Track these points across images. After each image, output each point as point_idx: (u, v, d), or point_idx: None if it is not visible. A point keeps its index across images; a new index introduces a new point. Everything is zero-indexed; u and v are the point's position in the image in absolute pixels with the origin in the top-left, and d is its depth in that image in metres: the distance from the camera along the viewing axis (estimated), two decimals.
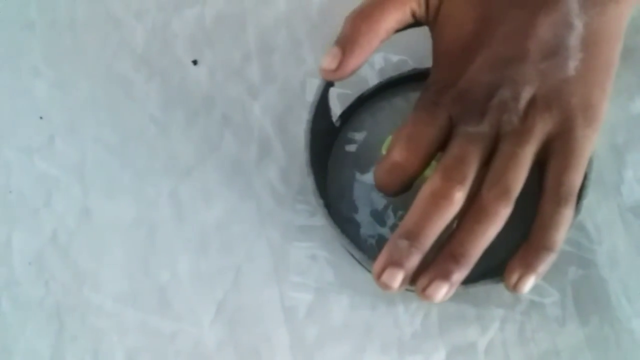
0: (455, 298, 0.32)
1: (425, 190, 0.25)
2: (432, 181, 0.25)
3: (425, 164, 0.27)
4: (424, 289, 0.26)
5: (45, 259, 0.35)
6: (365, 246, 0.34)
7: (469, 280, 0.27)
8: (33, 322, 0.34)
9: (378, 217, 0.34)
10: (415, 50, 0.36)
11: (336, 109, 0.35)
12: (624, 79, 0.35)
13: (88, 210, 0.36)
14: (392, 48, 0.36)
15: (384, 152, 0.30)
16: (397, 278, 0.26)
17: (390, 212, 0.34)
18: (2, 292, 0.34)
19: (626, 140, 0.35)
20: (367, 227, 0.34)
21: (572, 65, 0.26)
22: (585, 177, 0.29)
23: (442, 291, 0.26)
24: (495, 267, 0.29)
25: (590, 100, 0.26)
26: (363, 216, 0.34)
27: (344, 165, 0.35)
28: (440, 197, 0.25)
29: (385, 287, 0.26)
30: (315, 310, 0.33)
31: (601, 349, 0.32)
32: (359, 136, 0.36)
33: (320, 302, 0.34)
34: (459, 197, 0.25)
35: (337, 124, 0.35)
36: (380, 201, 0.34)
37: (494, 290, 0.33)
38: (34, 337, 0.34)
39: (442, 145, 0.27)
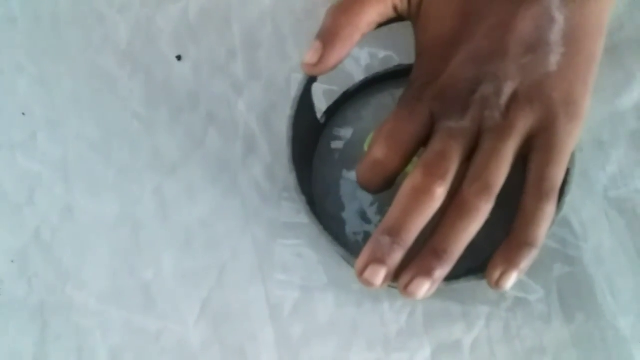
0: (440, 295, 0.32)
1: (406, 186, 0.25)
2: (413, 177, 0.25)
3: (407, 160, 0.27)
4: (406, 286, 0.26)
5: (28, 257, 0.35)
6: (351, 243, 0.34)
7: (452, 277, 0.27)
8: (16, 321, 0.34)
9: (364, 214, 0.34)
10: (403, 46, 0.36)
11: (322, 105, 0.35)
12: (609, 75, 0.35)
13: (71, 208, 0.35)
14: (378, 44, 0.36)
15: (366, 149, 0.30)
16: (379, 275, 0.25)
17: (376, 209, 0.34)
18: None
19: (611, 136, 0.34)
20: (353, 224, 0.34)
21: (554, 60, 0.26)
22: (568, 173, 0.29)
23: (424, 288, 0.26)
24: (480, 264, 0.28)
25: (573, 95, 0.26)
26: (349, 213, 0.34)
27: (329, 162, 0.35)
28: (422, 193, 0.25)
29: (368, 284, 0.26)
30: (301, 308, 0.33)
31: (586, 346, 0.32)
32: (345, 133, 0.35)
33: (305, 300, 0.33)
34: (441, 192, 0.25)
35: (322, 121, 0.35)
36: (366, 198, 0.34)
37: (479, 287, 0.32)
38: (17, 335, 0.34)
39: (424, 141, 0.26)
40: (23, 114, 0.37)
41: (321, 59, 0.27)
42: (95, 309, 0.34)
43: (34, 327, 0.34)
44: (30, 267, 0.35)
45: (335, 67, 0.28)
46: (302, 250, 0.34)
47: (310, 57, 0.27)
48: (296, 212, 0.34)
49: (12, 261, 0.35)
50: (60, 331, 0.34)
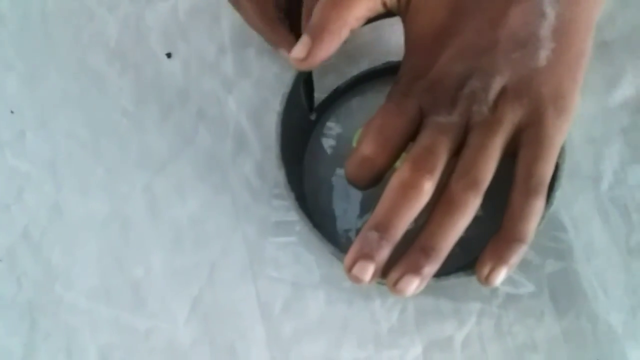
0: (431, 292, 0.32)
1: (394, 181, 0.25)
2: (401, 171, 0.25)
3: (395, 156, 0.26)
4: (395, 283, 0.26)
5: (16, 256, 0.34)
6: (342, 241, 0.33)
7: (442, 274, 0.27)
8: (5, 320, 0.34)
9: (355, 211, 0.34)
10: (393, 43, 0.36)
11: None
12: (600, 71, 0.35)
13: (60, 206, 0.35)
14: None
15: (354, 144, 0.30)
16: (368, 271, 0.25)
17: (367, 205, 0.34)
18: None
19: (603, 133, 0.34)
20: (344, 221, 0.34)
21: (544, 55, 0.26)
22: (558, 168, 0.28)
23: (413, 285, 0.25)
24: (471, 261, 0.28)
25: (561, 90, 0.26)
26: (340, 210, 0.34)
27: (321, 159, 0.35)
28: (409, 188, 0.25)
29: (357, 280, 0.26)
30: (292, 306, 0.33)
31: (578, 342, 0.32)
32: (336, 129, 0.35)
33: (296, 298, 0.33)
34: (428, 187, 0.25)
35: (313, 118, 0.35)
36: (357, 194, 0.34)
37: (470, 284, 0.32)
38: (6, 334, 0.33)
39: (412, 136, 0.26)
40: (11, 112, 0.37)
41: (309, 53, 0.27)
42: (85, 308, 0.34)
43: (23, 326, 0.33)
44: (19, 266, 0.34)
45: (323, 61, 0.28)
46: (293, 248, 0.34)
47: (299, 51, 0.27)
48: (287, 210, 0.34)
49: (1, 260, 0.34)
50: (50, 330, 0.33)
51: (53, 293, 0.34)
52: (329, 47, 0.27)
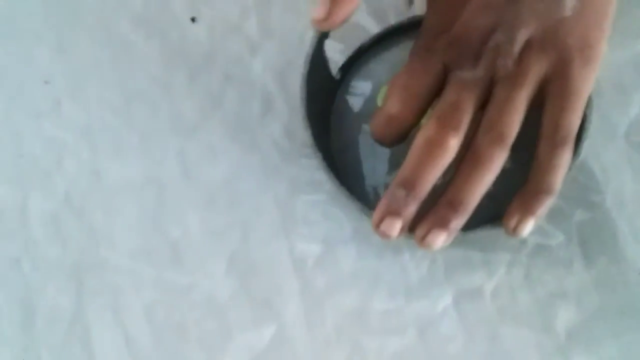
0: (460, 244, 0.33)
1: (420, 139, 0.25)
2: (426, 129, 0.25)
3: (421, 113, 0.27)
4: (422, 238, 0.26)
5: (60, 220, 0.36)
6: (371, 197, 0.34)
7: (470, 227, 0.28)
8: (53, 281, 0.35)
9: (383, 167, 0.34)
10: None
11: (339, 60, 0.34)
12: (629, 18, 0.34)
13: (98, 172, 0.36)
14: None
15: (379, 102, 0.30)
16: (395, 227, 0.26)
17: (394, 162, 0.34)
18: (22, 254, 0.36)
19: (633, 79, 0.34)
20: (372, 178, 0.34)
21: (570, 4, 0.25)
22: (585, 119, 0.28)
23: (440, 239, 0.26)
24: (500, 213, 0.29)
25: (588, 40, 0.26)
26: (368, 167, 0.34)
27: (347, 118, 0.35)
28: (435, 145, 0.25)
29: (384, 235, 0.26)
30: (324, 261, 0.34)
31: (608, 290, 0.32)
32: (362, 87, 0.35)
33: (328, 253, 0.34)
34: (454, 143, 0.25)
35: (338, 77, 0.35)
36: (384, 151, 0.34)
37: (499, 235, 0.33)
38: (56, 295, 0.35)
39: (438, 92, 0.26)
40: (45, 82, 0.38)
41: (329, 13, 0.27)
42: (128, 268, 0.35)
43: (71, 287, 0.35)
44: (64, 230, 0.36)
45: (344, 21, 0.28)
46: (323, 205, 0.34)
47: (318, 12, 0.27)
48: (316, 168, 0.35)
49: (46, 224, 0.36)
50: (96, 289, 0.35)
51: (97, 255, 0.35)
52: (349, 7, 0.27)
